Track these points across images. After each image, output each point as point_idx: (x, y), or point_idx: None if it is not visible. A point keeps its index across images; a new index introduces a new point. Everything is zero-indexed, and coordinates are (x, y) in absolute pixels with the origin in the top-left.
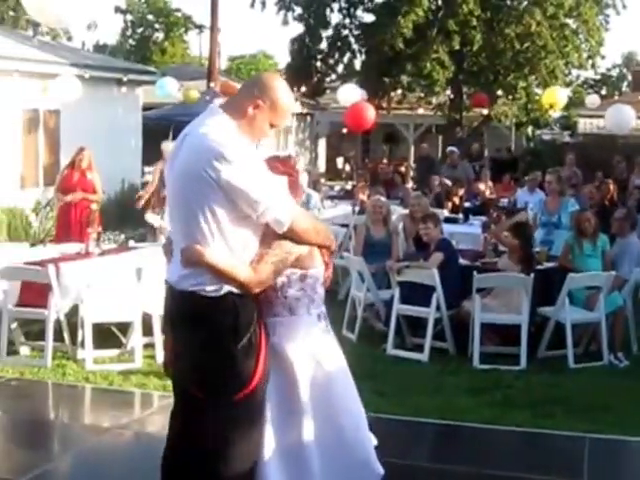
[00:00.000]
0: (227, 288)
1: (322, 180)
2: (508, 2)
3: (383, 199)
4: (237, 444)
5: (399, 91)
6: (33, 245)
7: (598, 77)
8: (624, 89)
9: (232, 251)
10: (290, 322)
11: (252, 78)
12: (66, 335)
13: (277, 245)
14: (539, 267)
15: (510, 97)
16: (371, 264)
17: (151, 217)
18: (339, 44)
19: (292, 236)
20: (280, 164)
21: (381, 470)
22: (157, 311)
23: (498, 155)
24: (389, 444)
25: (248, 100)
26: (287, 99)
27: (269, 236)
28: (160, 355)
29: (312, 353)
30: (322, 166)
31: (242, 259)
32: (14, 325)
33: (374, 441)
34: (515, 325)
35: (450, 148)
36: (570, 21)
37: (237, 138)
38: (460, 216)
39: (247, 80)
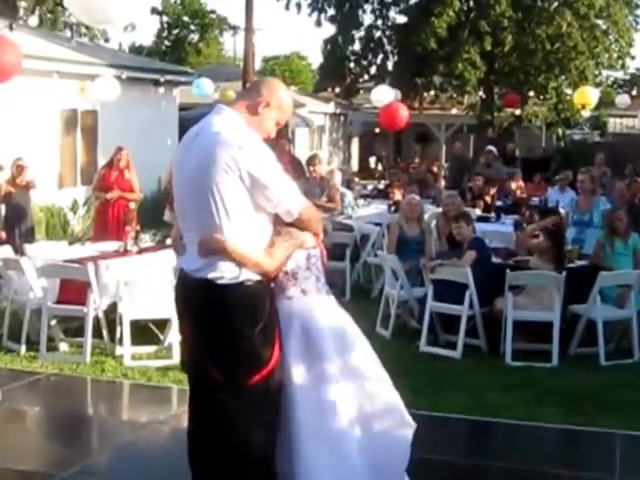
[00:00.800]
0: (244, 276)
1: (355, 179)
2: (539, 3)
3: (418, 198)
4: (255, 426)
5: (431, 91)
6: (71, 243)
7: (628, 77)
8: None
9: (249, 239)
10: (305, 302)
11: (257, 81)
12: (104, 332)
13: (286, 231)
14: (571, 265)
15: (541, 97)
16: (404, 262)
17: (170, 216)
18: (372, 45)
19: (298, 224)
20: (284, 159)
21: (413, 422)
22: None
23: (529, 155)
24: (423, 440)
25: (258, 100)
26: (290, 101)
27: (277, 223)
28: None
29: (330, 327)
30: (355, 165)
31: (258, 246)
32: (53, 322)
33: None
34: (547, 322)
35: (488, 147)
36: (600, 22)
37: (249, 132)
38: (492, 215)
39: (252, 83)
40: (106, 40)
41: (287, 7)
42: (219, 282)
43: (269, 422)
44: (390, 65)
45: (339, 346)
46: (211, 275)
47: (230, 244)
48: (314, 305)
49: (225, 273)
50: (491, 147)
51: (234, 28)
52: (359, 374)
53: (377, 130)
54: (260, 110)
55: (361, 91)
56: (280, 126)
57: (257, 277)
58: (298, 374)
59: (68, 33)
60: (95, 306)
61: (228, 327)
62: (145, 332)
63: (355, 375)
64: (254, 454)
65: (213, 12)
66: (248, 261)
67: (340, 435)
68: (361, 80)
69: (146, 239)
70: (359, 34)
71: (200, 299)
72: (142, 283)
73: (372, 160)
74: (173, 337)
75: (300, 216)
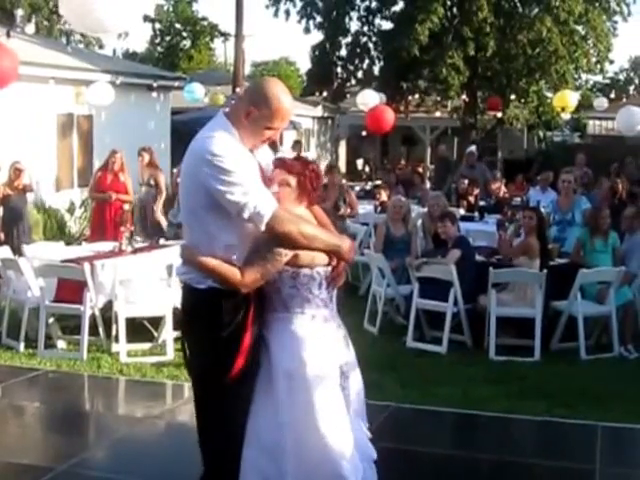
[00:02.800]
0: (210, 283)
1: (343, 181)
2: (520, 10)
3: (403, 199)
4: (218, 427)
5: (416, 95)
6: (69, 244)
7: (607, 81)
8: (631, 92)
9: (223, 251)
10: (284, 318)
11: (249, 87)
12: (101, 329)
13: (265, 248)
14: (552, 263)
15: (522, 101)
16: (391, 261)
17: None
18: (358, 51)
19: (275, 236)
20: (299, 164)
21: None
22: None
23: (511, 156)
24: (410, 433)
25: (242, 109)
26: (279, 103)
27: (261, 241)
28: None
29: (297, 351)
30: (343, 167)
31: (233, 259)
32: (51, 320)
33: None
34: (529, 318)
35: (470, 149)
36: (579, 27)
37: (232, 145)
38: (475, 214)
39: (246, 88)
40: (100, 47)
41: (276, 14)
42: (192, 286)
43: (231, 426)
44: (376, 70)
45: (295, 374)
46: (185, 278)
47: (200, 257)
48: (290, 325)
49: (195, 278)
50: (472, 149)
51: (225, 35)
52: (307, 409)
53: (364, 133)
54: (248, 119)
55: (348, 95)
56: (278, 129)
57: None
58: (257, 389)
59: (64, 40)
60: (91, 304)
61: (196, 329)
62: (140, 329)
63: (303, 409)
64: (215, 453)
65: (204, 19)
66: (216, 275)
67: (273, 467)
68: (348, 84)
69: (140, 239)
70: (346, 40)
71: (183, 301)
72: (137, 282)
73: (359, 162)
74: (167, 334)
75: (273, 225)
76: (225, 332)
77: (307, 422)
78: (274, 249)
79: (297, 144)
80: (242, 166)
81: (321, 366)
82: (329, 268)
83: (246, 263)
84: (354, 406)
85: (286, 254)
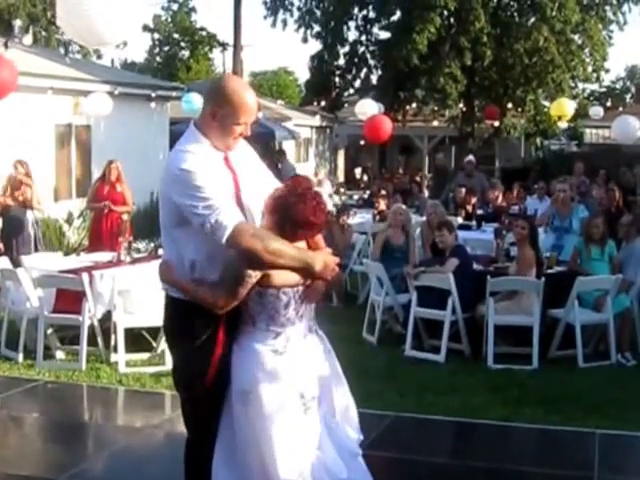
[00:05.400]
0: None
1: (341, 189)
2: (517, 19)
3: (404, 207)
4: (191, 433)
5: (414, 104)
6: (67, 254)
7: (603, 90)
8: (627, 101)
9: (189, 268)
10: (249, 333)
11: (209, 87)
12: (99, 340)
13: (235, 270)
14: (550, 271)
15: (519, 109)
16: (390, 269)
17: None
18: (356, 60)
19: (239, 252)
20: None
21: None
22: None
23: (509, 165)
24: (409, 442)
25: (207, 111)
26: (239, 98)
27: (232, 261)
28: None
29: (254, 371)
30: (341, 176)
31: (204, 275)
32: (50, 331)
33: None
34: (527, 327)
35: (468, 158)
36: (576, 37)
37: (202, 158)
38: (473, 223)
39: (207, 89)
40: (99, 57)
41: (274, 24)
42: (170, 295)
43: (203, 436)
44: (374, 79)
45: (243, 397)
46: (164, 287)
47: (174, 277)
48: (254, 340)
49: (170, 288)
50: (471, 158)
51: (223, 45)
52: (256, 430)
53: (362, 142)
54: (215, 119)
55: (346, 104)
56: (247, 124)
57: None
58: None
59: (62, 50)
60: (90, 315)
61: (171, 339)
62: (139, 339)
63: (253, 430)
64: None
65: (203, 29)
66: (190, 294)
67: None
68: (346, 94)
69: (139, 249)
70: (344, 49)
71: (164, 309)
72: (135, 292)
73: (358, 171)
74: (166, 344)
75: (233, 238)
76: (197, 343)
77: (260, 445)
78: (243, 270)
79: (281, 154)
80: (210, 181)
81: (277, 388)
82: (300, 288)
83: (218, 285)
84: (339, 419)
85: (256, 275)
